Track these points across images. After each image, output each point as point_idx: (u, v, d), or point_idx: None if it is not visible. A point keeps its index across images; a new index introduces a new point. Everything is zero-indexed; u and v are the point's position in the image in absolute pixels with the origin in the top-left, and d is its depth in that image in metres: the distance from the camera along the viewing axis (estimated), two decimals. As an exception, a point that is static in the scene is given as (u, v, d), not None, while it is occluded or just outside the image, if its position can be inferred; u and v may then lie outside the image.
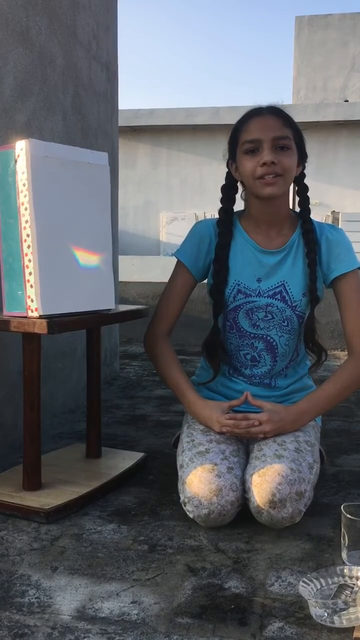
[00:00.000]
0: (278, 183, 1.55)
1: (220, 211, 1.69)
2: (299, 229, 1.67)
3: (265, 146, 1.54)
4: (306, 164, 1.67)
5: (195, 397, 1.65)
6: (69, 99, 2.45)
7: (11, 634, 1.08)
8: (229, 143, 1.64)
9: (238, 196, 1.71)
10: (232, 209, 1.70)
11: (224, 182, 1.70)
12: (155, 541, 1.43)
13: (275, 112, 1.58)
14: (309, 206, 1.68)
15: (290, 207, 1.71)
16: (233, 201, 1.70)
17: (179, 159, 11.69)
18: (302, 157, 1.64)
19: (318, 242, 1.65)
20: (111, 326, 3.15)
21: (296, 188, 1.69)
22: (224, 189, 1.70)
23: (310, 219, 1.66)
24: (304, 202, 1.68)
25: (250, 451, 1.57)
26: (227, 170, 1.68)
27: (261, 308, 1.66)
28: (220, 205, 1.69)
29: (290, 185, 1.61)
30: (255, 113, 1.59)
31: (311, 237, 1.63)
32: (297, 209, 1.71)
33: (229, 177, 1.68)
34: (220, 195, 1.70)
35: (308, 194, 1.69)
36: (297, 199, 1.70)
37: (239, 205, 1.72)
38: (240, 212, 1.73)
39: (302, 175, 1.68)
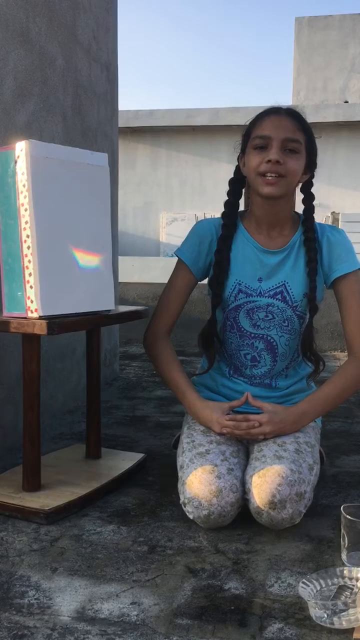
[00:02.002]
0: (279, 184, 1.55)
1: (226, 204, 1.69)
2: (301, 231, 1.67)
3: (274, 145, 1.54)
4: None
5: (196, 398, 1.65)
6: (69, 100, 2.45)
7: (11, 635, 1.08)
8: (242, 136, 1.65)
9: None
10: (238, 203, 1.70)
11: (225, 182, 1.71)
12: (155, 542, 1.43)
13: (292, 115, 1.58)
14: (313, 215, 1.68)
15: (294, 209, 1.71)
16: (239, 195, 1.70)
17: (178, 160, 11.70)
18: (311, 166, 1.64)
19: (319, 243, 1.66)
20: (111, 327, 3.15)
21: (302, 196, 1.69)
22: (231, 182, 1.70)
23: (313, 227, 1.66)
24: (309, 210, 1.67)
25: (250, 452, 1.57)
26: (236, 164, 1.69)
27: (262, 308, 1.66)
28: (227, 198, 1.70)
29: (292, 188, 1.61)
30: (273, 111, 1.60)
31: (312, 245, 1.63)
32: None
33: (238, 171, 1.69)
34: (220, 194, 1.71)
35: (314, 202, 1.69)
36: (302, 206, 1.70)
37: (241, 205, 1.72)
38: (242, 212, 1.73)
39: (310, 184, 1.68)
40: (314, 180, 1.69)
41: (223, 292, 1.67)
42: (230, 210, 1.69)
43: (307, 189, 1.69)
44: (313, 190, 1.70)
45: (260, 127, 1.58)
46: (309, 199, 1.68)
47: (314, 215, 1.68)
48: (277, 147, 1.54)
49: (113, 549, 1.40)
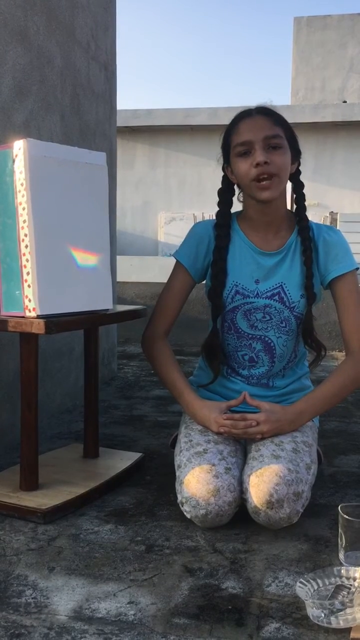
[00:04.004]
0: (274, 185, 1.55)
1: (218, 214, 1.69)
2: (296, 229, 1.67)
3: (257, 147, 1.54)
4: (302, 162, 1.67)
5: (193, 397, 1.65)
6: (67, 99, 2.45)
7: (8, 634, 1.08)
8: (222, 147, 1.65)
9: (235, 199, 1.71)
10: (230, 212, 1.70)
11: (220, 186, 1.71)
12: (153, 541, 1.43)
13: (264, 112, 1.58)
14: (305, 203, 1.68)
15: (288, 207, 1.71)
16: (230, 204, 1.70)
17: (177, 160, 11.70)
18: (296, 154, 1.64)
19: (315, 244, 1.66)
20: (109, 326, 3.14)
21: (292, 185, 1.69)
22: (220, 192, 1.70)
23: (306, 216, 1.66)
24: (299, 199, 1.68)
25: (248, 451, 1.57)
26: (223, 173, 1.69)
27: (259, 309, 1.66)
28: (218, 209, 1.70)
29: (286, 183, 1.61)
30: (245, 115, 1.60)
31: (307, 234, 1.63)
32: (294, 207, 1.71)
33: (225, 180, 1.68)
34: (217, 197, 1.71)
35: (304, 191, 1.69)
36: (293, 196, 1.70)
37: (236, 207, 1.72)
38: (238, 213, 1.73)
39: (298, 172, 1.68)
40: (312, 181, 1.70)
41: (222, 301, 1.66)
42: (223, 219, 1.68)
43: (295, 177, 1.68)
44: (312, 189, 1.70)
45: (238, 134, 1.57)
46: (298, 187, 1.68)
47: (305, 202, 1.68)
48: (261, 148, 1.54)
49: (110, 549, 1.39)
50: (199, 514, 1.43)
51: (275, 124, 1.56)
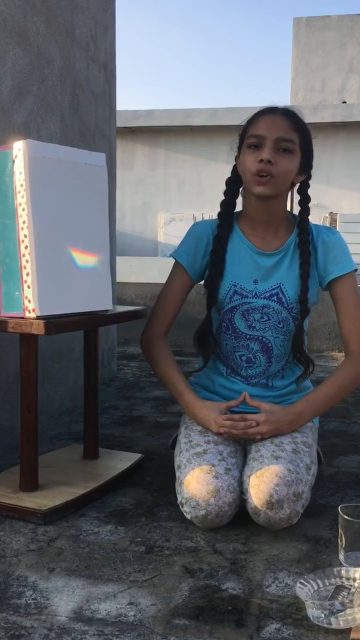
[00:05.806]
0: (270, 184, 1.55)
1: (222, 203, 1.69)
2: (296, 233, 1.67)
3: (267, 144, 1.54)
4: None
5: (193, 398, 1.65)
6: (66, 99, 2.45)
7: (8, 635, 1.08)
8: (239, 135, 1.65)
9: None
10: (234, 203, 1.70)
11: (223, 182, 1.71)
12: (153, 542, 1.43)
13: (287, 115, 1.58)
14: (309, 217, 1.67)
15: (288, 209, 1.71)
16: (236, 195, 1.70)
17: (177, 160, 11.69)
18: (306, 167, 1.63)
19: (314, 245, 1.65)
20: (109, 327, 3.14)
21: (298, 198, 1.69)
22: (228, 182, 1.70)
23: (308, 229, 1.65)
24: (304, 212, 1.67)
25: (248, 452, 1.57)
26: (233, 164, 1.69)
27: (257, 309, 1.66)
28: (223, 198, 1.70)
29: (284, 188, 1.60)
30: (268, 111, 1.60)
31: (306, 247, 1.63)
32: (293, 210, 1.71)
33: (235, 170, 1.68)
34: (218, 194, 1.71)
35: (310, 204, 1.69)
36: (299, 208, 1.69)
37: (238, 206, 1.72)
38: (238, 213, 1.73)
39: (306, 185, 1.67)
40: (312, 182, 1.69)
41: (218, 292, 1.67)
42: (226, 210, 1.69)
43: (303, 191, 1.68)
44: (311, 190, 1.70)
45: (255, 127, 1.58)
46: (304, 200, 1.68)
47: (309, 217, 1.67)
48: (270, 147, 1.54)
49: (110, 549, 1.39)
50: (199, 515, 1.43)
51: (293, 129, 1.56)
